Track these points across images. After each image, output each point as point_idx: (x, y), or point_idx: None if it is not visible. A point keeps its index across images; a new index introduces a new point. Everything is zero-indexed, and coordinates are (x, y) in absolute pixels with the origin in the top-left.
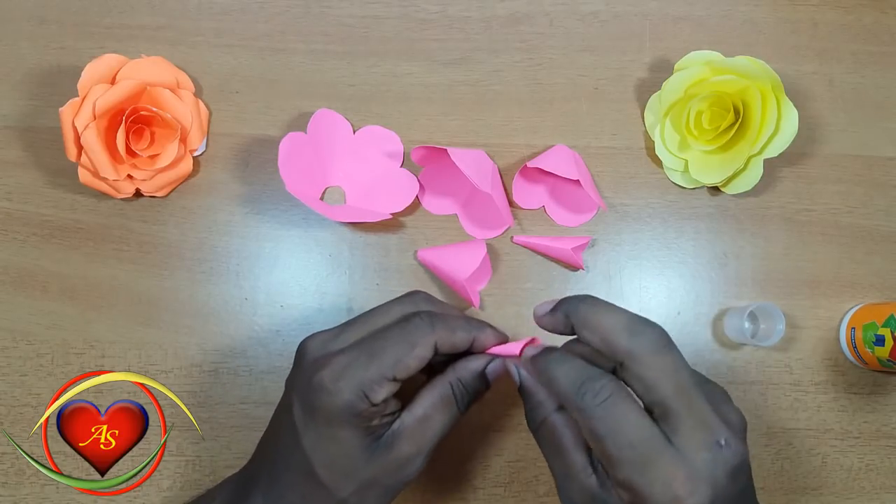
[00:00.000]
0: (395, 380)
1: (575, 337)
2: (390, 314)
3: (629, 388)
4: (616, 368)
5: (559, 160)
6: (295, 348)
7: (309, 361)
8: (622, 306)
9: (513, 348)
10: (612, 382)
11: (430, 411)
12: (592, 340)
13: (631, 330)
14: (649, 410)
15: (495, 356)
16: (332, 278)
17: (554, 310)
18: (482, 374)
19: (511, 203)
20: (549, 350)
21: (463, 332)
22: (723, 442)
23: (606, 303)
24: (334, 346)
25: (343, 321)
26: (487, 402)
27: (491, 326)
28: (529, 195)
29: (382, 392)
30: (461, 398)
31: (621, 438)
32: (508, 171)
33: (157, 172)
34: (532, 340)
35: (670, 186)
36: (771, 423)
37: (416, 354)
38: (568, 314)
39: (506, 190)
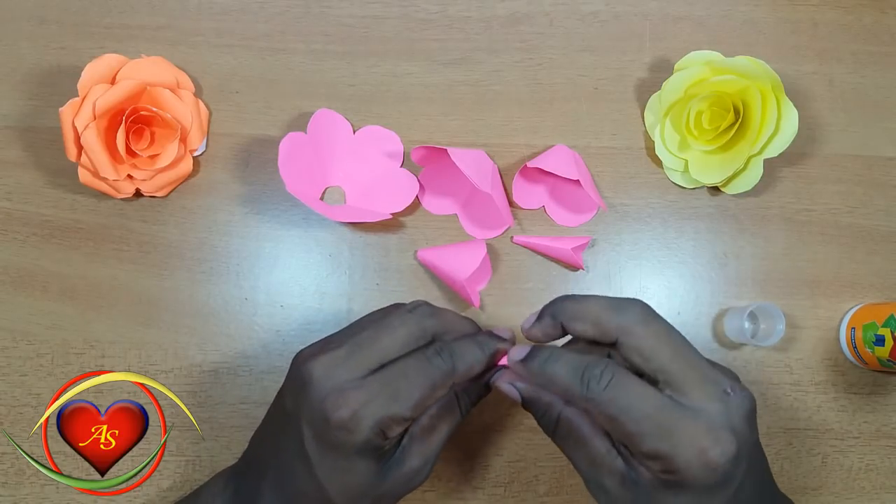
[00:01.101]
0: (412, 418)
1: (568, 338)
2: (396, 337)
3: (628, 365)
4: (610, 354)
5: (559, 160)
6: (295, 348)
7: (321, 393)
8: None
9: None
10: (611, 364)
11: (435, 421)
12: (584, 329)
13: (617, 308)
14: (653, 381)
15: (498, 365)
16: (332, 278)
17: (540, 317)
18: (486, 384)
19: (511, 203)
20: (536, 350)
21: (479, 364)
22: (729, 390)
23: (585, 294)
24: (345, 375)
25: (341, 326)
26: (488, 403)
27: (500, 339)
28: (529, 195)
29: (400, 429)
30: (464, 405)
31: (636, 413)
32: (508, 171)
33: (157, 172)
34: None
35: (670, 186)
36: (771, 423)
37: (436, 396)
38: (554, 315)
39: (506, 190)
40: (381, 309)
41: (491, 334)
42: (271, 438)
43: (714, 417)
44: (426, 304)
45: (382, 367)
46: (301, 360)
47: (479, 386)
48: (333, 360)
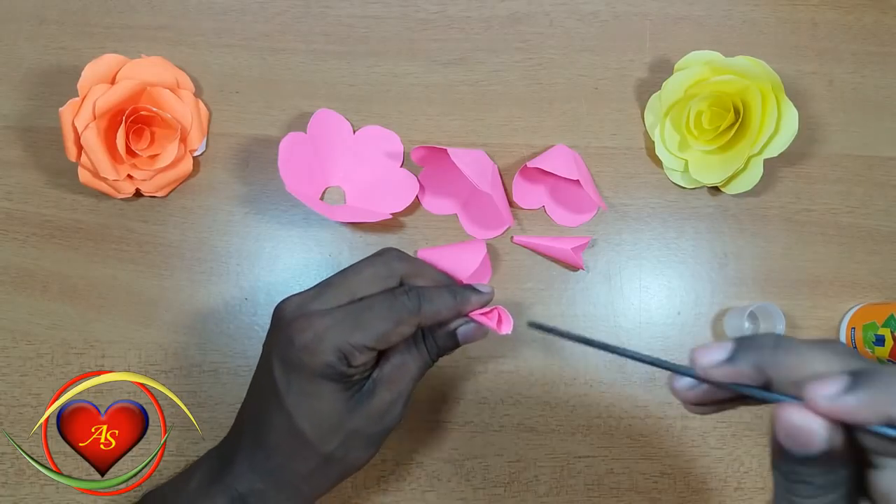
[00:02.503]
0: (374, 349)
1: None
2: (363, 275)
3: None
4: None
5: (559, 160)
6: None
7: (288, 321)
8: (626, 308)
9: (489, 322)
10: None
11: (406, 358)
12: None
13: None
14: None
15: (469, 319)
16: None
17: (734, 358)
18: (452, 334)
19: (511, 203)
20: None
21: (448, 310)
22: None
23: (796, 343)
24: (314, 307)
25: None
26: (488, 402)
27: (476, 291)
28: (529, 195)
29: (362, 358)
30: (431, 350)
31: None
32: (508, 171)
33: (157, 172)
34: (494, 309)
35: (670, 186)
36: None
37: (399, 331)
38: (761, 366)
39: (506, 190)
40: None
41: (469, 286)
42: (250, 395)
43: None
44: (396, 250)
45: (351, 303)
46: (277, 306)
47: (447, 339)
48: (304, 297)
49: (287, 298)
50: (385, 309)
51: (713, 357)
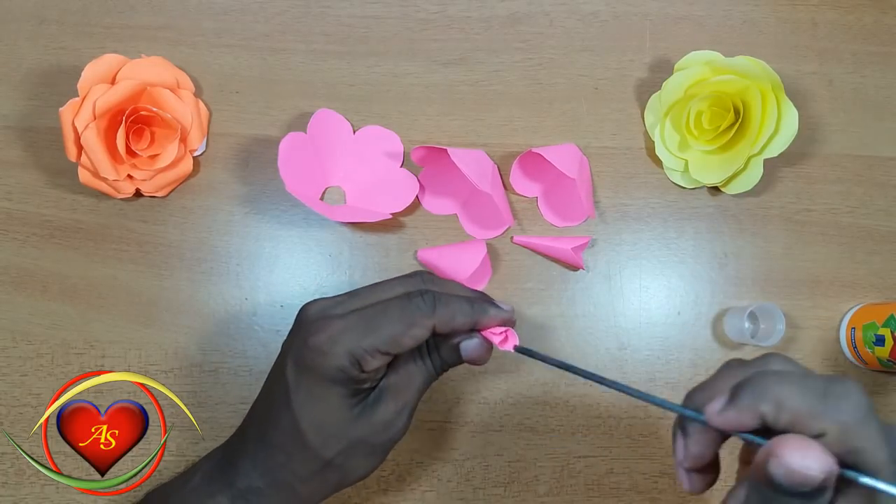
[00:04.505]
0: (387, 353)
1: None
2: (395, 290)
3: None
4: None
5: (564, 156)
6: None
7: (306, 323)
8: (626, 308)
9: (494, 338)
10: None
11: (412, 369)
12: (783, 420)
13: (829, 397)
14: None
15: (475, 334)
16: (332, 278)
17: (734, 399)
18: (456, 347)
19: (506, 186)
20: (745, 383)
21: (463, 316)
22: None
23: (785, 371)
24: (334, 312)
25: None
26: (488, 402)
27: (494, 305)
28: (526, 185)
29: (374, 363)
30: (436, 364)
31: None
32: (508, 171)
33: (157, 172)
34: (505, 331)
35: (670, 186)
36: None
37: (413, 334)
38: (756, 396)
39: (505, 187)
40: None
41: (490, 300)
42: (261, 393)
43: None
44: (428, 272)
45: (368, 307)
46: (302, 308)
47: (451, 348)
48: (329, 302)
49: (313, 301)
50: (399, 311)
51: (717, 405)
